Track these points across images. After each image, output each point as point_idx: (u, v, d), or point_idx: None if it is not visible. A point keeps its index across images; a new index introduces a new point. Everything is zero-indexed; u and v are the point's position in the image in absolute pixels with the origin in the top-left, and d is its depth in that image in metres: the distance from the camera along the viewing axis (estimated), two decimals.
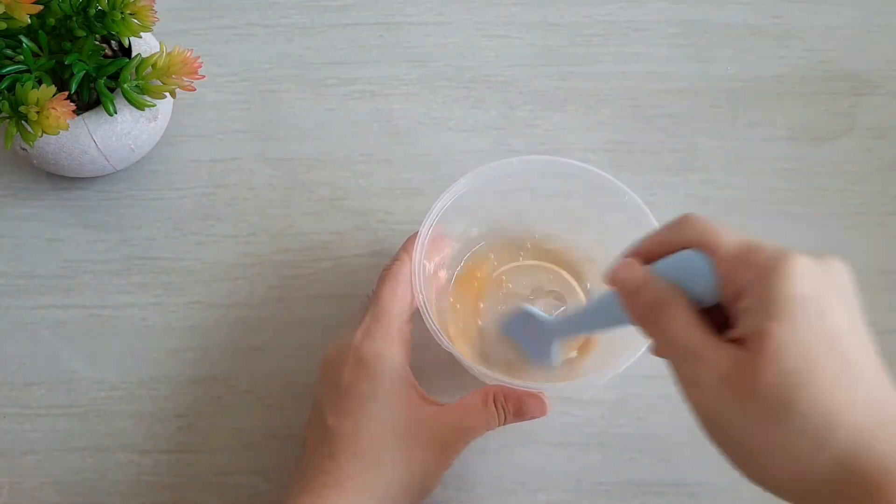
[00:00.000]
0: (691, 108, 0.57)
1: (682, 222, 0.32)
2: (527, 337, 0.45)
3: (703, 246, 0.31)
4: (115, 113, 0.48)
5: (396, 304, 0.42)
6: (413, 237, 0.45)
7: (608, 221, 0.47)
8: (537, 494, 0.46)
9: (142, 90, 0.48)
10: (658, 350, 0.33)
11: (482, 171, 0.46)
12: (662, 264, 0.32)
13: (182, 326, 0.50)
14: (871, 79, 0.58)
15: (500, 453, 0.47)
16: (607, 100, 0.57)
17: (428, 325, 0.42)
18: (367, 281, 0.51)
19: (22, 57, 0.46)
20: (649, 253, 0.33)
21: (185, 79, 0.48)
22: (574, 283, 0.50)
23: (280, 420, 0.48)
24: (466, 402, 0.42)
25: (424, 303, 0.43)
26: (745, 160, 0.55)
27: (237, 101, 0.58)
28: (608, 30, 0.60)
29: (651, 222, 0.44)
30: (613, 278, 0.33)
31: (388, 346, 0.41)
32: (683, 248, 0.32)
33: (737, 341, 0.29)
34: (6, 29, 0.44)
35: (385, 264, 0.45)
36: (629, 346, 0.42)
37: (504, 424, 0.42)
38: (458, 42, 0.60)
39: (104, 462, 0.47)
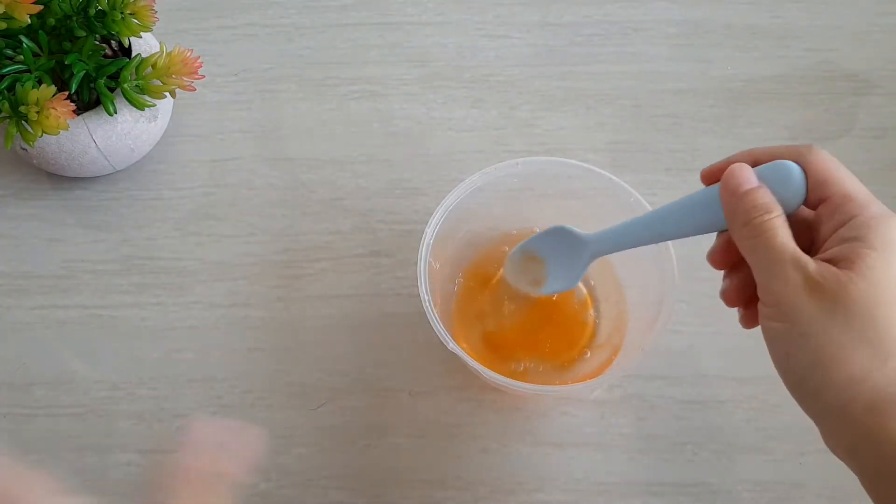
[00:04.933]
0: (691, 108, 0.57)
1: (808, 147, 0.34)
2: (554, 256, 0.45)
3: (821, 171, 0.33)
4: (115, 113, 0.48)
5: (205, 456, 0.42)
6: None
7: (612, 222, 0.47)
8: (537, 494, 0.46)
9: (142, 90, 0.48)
10: (725, 249, 0.35)
11: (487, 171, 0.46)
12: (760, 169, 0.34)
13: (182, 326, 0.50)
14: (871, 79, 0.58)
15: (500, 453, 0.47)
16: (607, 100, 0.57)
17: (434, 328, 0.42)
18: (367, 281, 0.51)
19: (22, 57, 0.46)
20: (756, 160, 0.35)
21: (185, 79, 0.48)
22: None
23: (280, 420, 0.48)
24: None
25: (430, 305, 0.42)
26: None
27: (237, 101, 0.58)
28: (608, 30, 0.60)
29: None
30: (725, 175, 0.35)
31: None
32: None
33: (826, 262, 0.32)
34: (6, 29, 0.44)
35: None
36: (633, 348, 0.42)
37: None
38: (458, 42, 0.60)
39: (104, 462, 0.47)
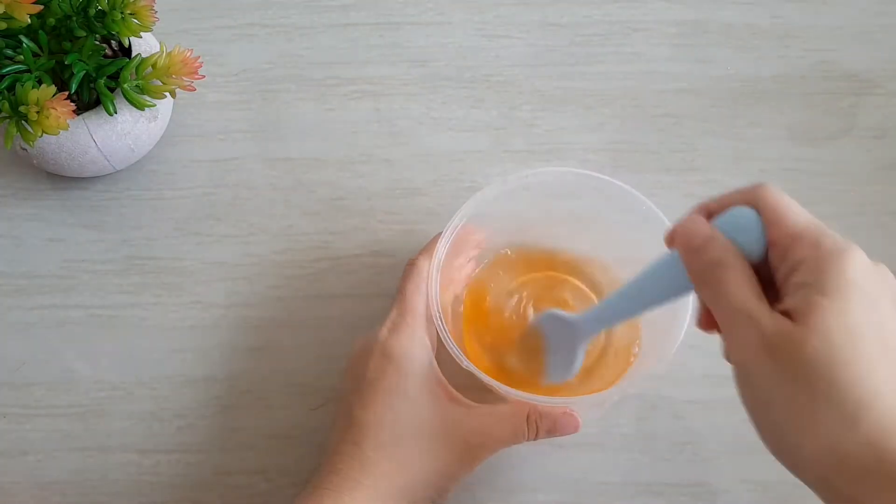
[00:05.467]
0: (691, 108, 0.57)
1: (755, 188, 0.32)
2: (551, 346, 0.44)
3: (768, 213, 0.31)
4: (115, 113, 0.48)
5: (422, 300, 0.43)
6: (439, 235, 0.45)
7: (625, 232, 0.46)
8: (537, 494, 0.46)
9: (142, 90, 0.48)
10: (709, 310, 0.33)
11: (497, 184, 0.45)
12: (718, 220, 0.33)
13: (182, 326, 0.50)
14: (871, 79, 0.58)
15: (499, 453, 0.46)
16: (607, 100, 0.57)
17: (447, 346, 0.41)
18: (367, 281, 0.51)
19: (22, 57, 0.46)
20: (712, 212, 0.34)
21: (185, 79, 0.48)
22: (589, 292, 0.49)
23: (280, 420, 0.48)
24: (500, 411, 0.42)
25: (441, 323, 0.42)
26: (745, 160, 0.55)
27: (237, 101, 0.58)
28: (608, 30, 0.60)
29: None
30: (679, 232, 0.33)
31: (413, 343, 0.42)
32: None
33: (784, 313, 0.30)
34: (6, 29, 0.44)
35: (410, 258, 0.45)
36: (648, 355, 0.42)
37: (533, 440, 0.42)
38: (458, 42, 0.60)
39: (104, 462, 0.47)
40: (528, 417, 0.42)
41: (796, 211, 0.31)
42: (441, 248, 0.44)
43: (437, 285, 0.43)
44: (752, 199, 0.32)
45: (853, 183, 0.54)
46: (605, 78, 0.58)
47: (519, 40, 0.60)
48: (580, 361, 0.43)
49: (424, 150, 0.56)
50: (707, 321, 0.34)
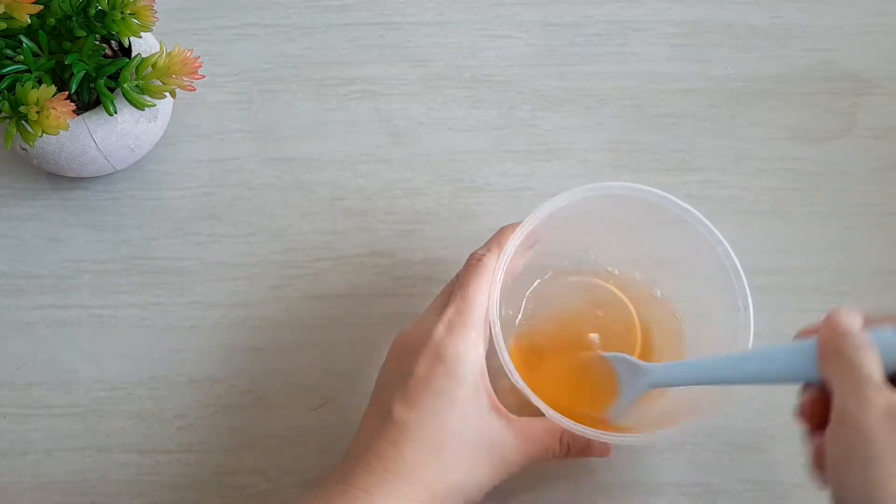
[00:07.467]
0: (691, 108, 0.57)
1: None
2: (622, 387, 0.43)
3: None
4: (115, 113, 0.48)
5: (483, 300, 0.41)
6: (508, 228, 0.43)
7: (689, 263, 0.45)
8: (537, 494, 0.46)
9: (142, 90, 0.48)
10: (833, 377, 0.33)
11: (582, 190, 0.43)
12: (875, 334, 0.33)
13: (182, 326, 0.50)
14: (871, 79, 0.58)
15: None
16: (607, 100, 0.57)
17: (500, 357, 0.40)
18: (368, 281, 0.51)
19: (22, 57, 0.46)
20: (868, 320, 0.34)
21: (185, 79, 0.48)
22: (629, 304, 0.48)
23: (280, 420, 0.48)
24: (536, 427, 0.41)
25: (499, 331, 0.40)
26: (745, 160, 0.55)
27: (237, 101, 0.58)
28: (608, 30, 0.60)
29: (740, 277, 0.42)
30: (830, 317, 0.34)
31: (469, 346, 0.40)
32: None
33: None
34: (6, 29, 0.44)
35: (475, 253, 0.43)
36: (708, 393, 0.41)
37: (562, 458, 0.42)
38: (458, 42, 0.60)
39: (104, 462, 0.47)
40: (561, 437, 0.41)
41: None
42: (510, 249, 0.42)
43: (500, 288, 0.41)
44: None
45: (853, 183, 0.54)
46: (605, 78, 0.58)
47: (519, 40, 0.60)
48: (633, 403, 0.42)
49: (424, 150, 0.56)
50: (812, 413, 0.35)
